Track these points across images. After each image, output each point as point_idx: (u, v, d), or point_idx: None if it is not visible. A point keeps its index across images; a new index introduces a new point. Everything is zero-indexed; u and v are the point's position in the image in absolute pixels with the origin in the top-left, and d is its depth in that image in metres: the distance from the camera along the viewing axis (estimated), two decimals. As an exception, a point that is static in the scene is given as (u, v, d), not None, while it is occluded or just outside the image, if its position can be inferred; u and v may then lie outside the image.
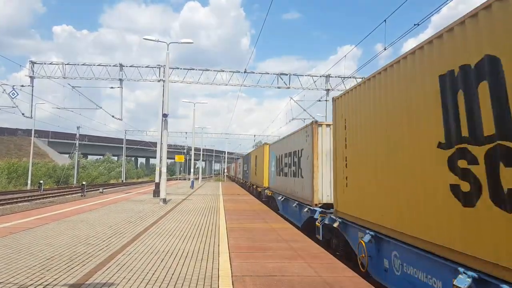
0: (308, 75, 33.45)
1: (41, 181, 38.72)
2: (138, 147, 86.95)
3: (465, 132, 4.83)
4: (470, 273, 4.63)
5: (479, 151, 4.55)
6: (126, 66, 32.15)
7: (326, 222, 10.76)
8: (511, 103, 4.12)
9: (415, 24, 13.07)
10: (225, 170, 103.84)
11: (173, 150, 79.88)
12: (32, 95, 31.54)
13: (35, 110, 39.08)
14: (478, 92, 4.59)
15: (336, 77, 32.86)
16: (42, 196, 31.20)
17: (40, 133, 75.83)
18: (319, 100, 32.74)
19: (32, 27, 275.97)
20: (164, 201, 19.87)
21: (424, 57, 5.88)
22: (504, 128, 4.19)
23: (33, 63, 31.66)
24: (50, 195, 32.62)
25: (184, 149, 79.05)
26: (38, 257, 7.48)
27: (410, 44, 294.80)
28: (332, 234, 10.84)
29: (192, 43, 22.19)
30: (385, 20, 14.94)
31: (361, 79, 31.99)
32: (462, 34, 4.99)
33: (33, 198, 29.49)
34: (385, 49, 16.24)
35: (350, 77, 31.68)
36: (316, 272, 6.77)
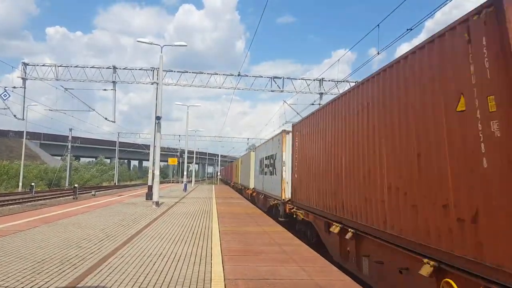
0: (301, 79, 33.63)
1: (33, 184, 38.39)
2: (131, 149, 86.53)
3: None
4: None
5: None
6: (120, 69, 32.08)
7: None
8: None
9: (407, 29, 13.19)
10: (219, 173, 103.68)
11: (166, 153, 79.55)
12: (24, 96, 31.36)
13: (27, 112, 38.82)
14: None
15: (329, 81, 33.01)
16: (33, 199, 30.96)
17: (32, 135, 75.24)
18: (313, 104, 32.82)
19: (26, 28, 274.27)
20: (157, 204, 19.79)
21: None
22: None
23: (25, 64, 31.47)
24: (42, 198, 32.36)
25: (177, 152, 78.80)
26: (28, 260, 7.41)
27: (403, 48, 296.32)
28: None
29: (186, 45, 22.20)
30: (378, 25, 15.07)
31: (354, 82, 32.27)
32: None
33: (24, 200, 29.26)
34: (378, 53, 16.35)
35: (343, 81, 31.83)
36: (309, 275, 6.77)
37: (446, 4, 11.27)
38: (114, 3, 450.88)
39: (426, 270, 5.25)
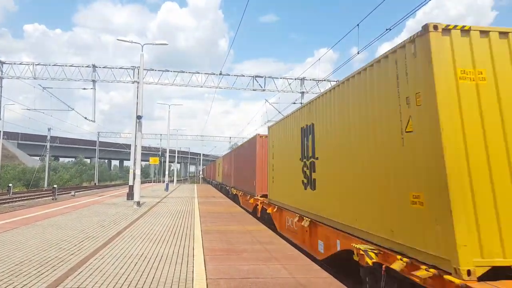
0: (283, 78, 33.67)
1: (10, 185, 37.56)
2: (112, 149, 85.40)
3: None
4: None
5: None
6: (100, 67, 31.58)
7: None
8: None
9: (386, 29, 13.34)
10: (201, 173, 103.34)
11: (148, 152, 78.80)
12: (1, 96, 30.64)
13: (4, 111, 37.93)
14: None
15: (310, 80, 33.19)
16: (11, 200, 30.28)
17: (9, 135, 73.48)
18: (294, 103, 32.97)
19: (3, 26, 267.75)
20: (138, 204, 19.62)
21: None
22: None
23: (2, 63, 30.74)
24: (20, 199, 31.68)
25: (159, 151, 78.13)
26: (6, 262, 7.28)
27: (384, 47, 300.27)
28: None
29: (167, 44, 22.02)
30: (358, 25, 15.19)
31: (335, 81, 32.48)
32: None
33: (1, 202, 28.58)
34: (358, 53, 16.52)
35: (324, 80, 32.06)
36: (290, 273, 6.83)
37: (425, 4, 11.39)
38: (95, 0, 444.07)
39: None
